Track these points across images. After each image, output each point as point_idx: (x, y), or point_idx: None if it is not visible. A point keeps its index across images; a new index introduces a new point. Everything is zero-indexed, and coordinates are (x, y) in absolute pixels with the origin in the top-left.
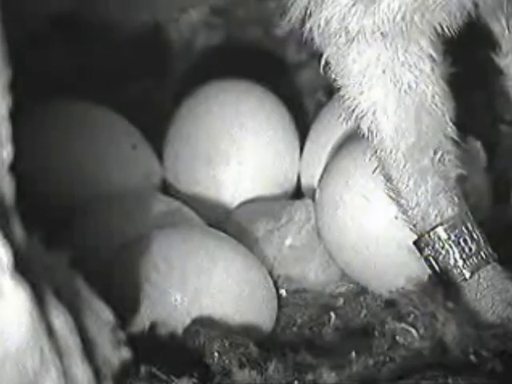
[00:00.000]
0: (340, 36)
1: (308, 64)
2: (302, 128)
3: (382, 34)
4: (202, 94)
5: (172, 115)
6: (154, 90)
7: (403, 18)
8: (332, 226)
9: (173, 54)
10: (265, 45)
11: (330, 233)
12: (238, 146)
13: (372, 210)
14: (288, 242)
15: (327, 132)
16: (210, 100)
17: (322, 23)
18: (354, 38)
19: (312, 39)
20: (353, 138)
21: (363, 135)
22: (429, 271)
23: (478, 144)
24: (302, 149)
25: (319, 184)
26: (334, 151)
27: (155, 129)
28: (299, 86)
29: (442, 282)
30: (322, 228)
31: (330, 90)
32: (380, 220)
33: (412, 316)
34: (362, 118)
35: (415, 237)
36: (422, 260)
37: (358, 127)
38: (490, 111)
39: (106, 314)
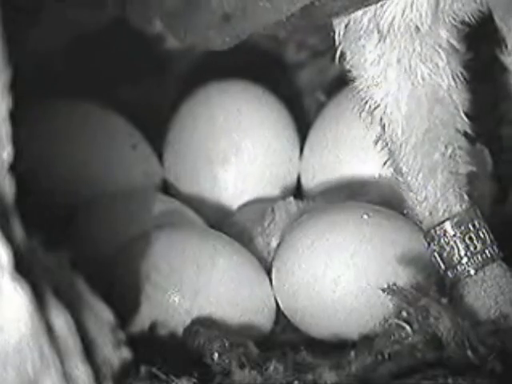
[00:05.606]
0: (372, 34)
1: (308, 64)
2: (302, 128)
3: (417, 27)
4: (202, 95)
5: (172, 115)
6: (154, 90)
7: (443, 11)
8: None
9: (173, 54)
10: (265, 45)
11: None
12: (237, 147)
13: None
14: (274, 243)
15: (327, 132)
16: (210, 100)
17: (352, 22)
18: (386, 36)
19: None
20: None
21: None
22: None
23: (486, 150)
24: (302, 149)
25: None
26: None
27: (155, 129)
28: (299, 86)
29: (443, 279)
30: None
31: (330, 90)
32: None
33: (405, 312)
34: (374, 109)
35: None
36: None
37: (371, 119)
38: (494, 109)
39: (106, 314)
